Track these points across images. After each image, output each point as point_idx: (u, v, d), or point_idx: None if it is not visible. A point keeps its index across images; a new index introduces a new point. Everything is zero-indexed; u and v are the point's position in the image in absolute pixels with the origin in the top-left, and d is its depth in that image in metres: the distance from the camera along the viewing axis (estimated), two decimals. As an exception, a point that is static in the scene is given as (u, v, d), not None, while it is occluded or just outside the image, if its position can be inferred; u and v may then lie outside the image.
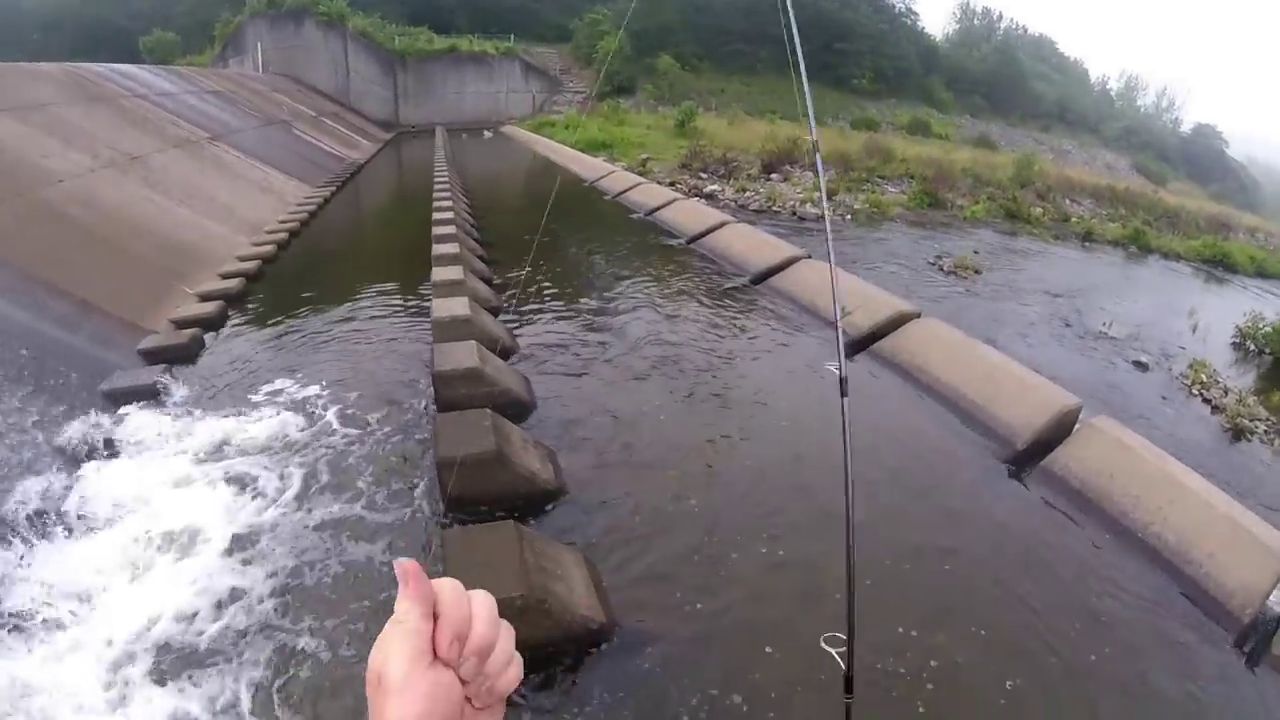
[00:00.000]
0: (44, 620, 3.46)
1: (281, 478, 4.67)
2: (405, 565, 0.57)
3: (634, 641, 3.48)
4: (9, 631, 3.39)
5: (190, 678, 3.24)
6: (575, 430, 5.38)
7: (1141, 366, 8.03)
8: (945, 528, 4.40)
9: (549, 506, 4.46)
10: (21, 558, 3.81)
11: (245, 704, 3.11)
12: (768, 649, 3.45)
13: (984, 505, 4.63)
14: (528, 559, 3.42)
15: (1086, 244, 14.23)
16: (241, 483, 4.61)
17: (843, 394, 2.58)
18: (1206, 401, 7.36)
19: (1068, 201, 18.78)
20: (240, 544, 4.07)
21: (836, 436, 2.48)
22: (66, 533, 4.10)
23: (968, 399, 5.67)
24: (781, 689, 3.23)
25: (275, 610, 3.62)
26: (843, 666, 2.10)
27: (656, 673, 3.30)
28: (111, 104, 13.83)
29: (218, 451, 4.96)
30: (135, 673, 3.26)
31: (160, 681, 3.21)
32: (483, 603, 0.59)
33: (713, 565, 4.00)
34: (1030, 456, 5.02)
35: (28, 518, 4.10)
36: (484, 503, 4.32)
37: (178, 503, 4.37)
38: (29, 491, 4.27)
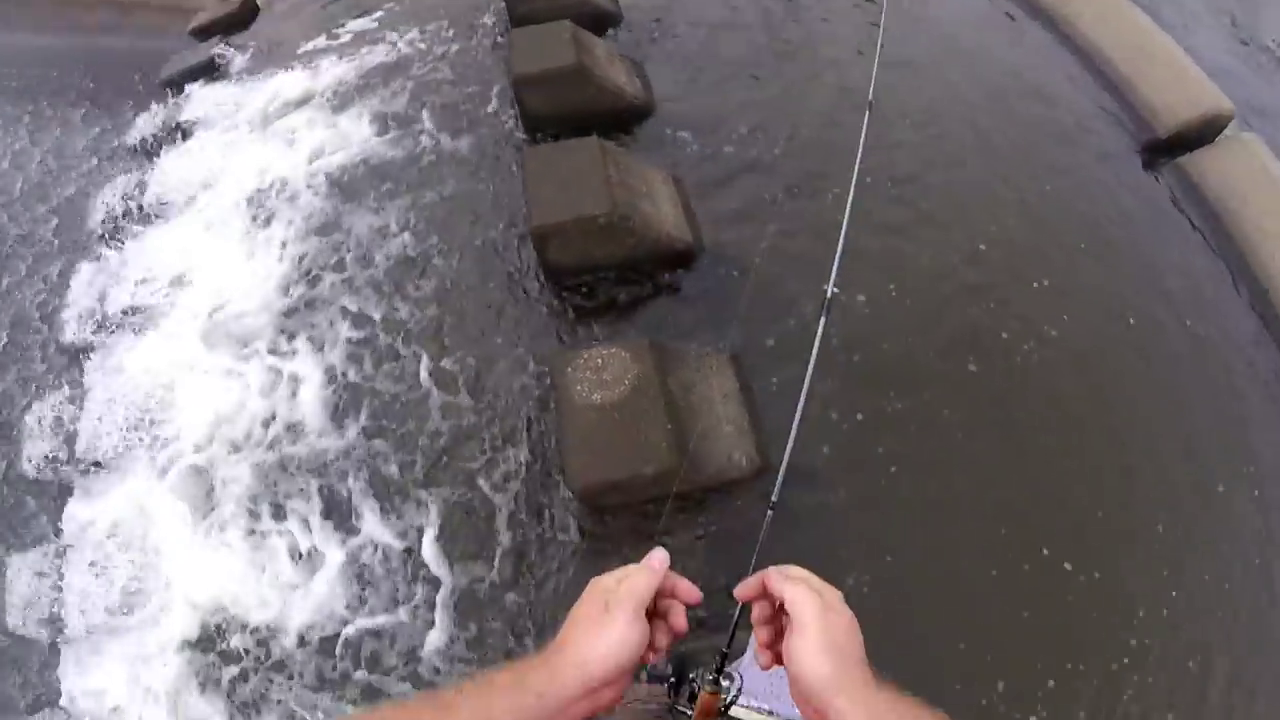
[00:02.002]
0: (151, 308, 3.56)
1: (355, 119, 4.35)
2: (657, 556, 0.84)
3: (720, 262, 3.22)
4: (121, 328, 3.54)
5: (287, 332, 3.28)
6: (665, 42, 4.56)
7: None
8: (1063, 214, 3.66)
9: (637, 125, 3.93)
10: (116, 258, 3.90)
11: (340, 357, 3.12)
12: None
13: (1108, 188, 3.87)
14: (611, 176, 3.12)
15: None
16: (314, 131, 4.35)
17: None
18: None
19: None
20: (320, 188, 3.96)
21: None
22: (150, 222, 4.09)
23: (1114, 68, 4.58)
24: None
25: (365, 242, 3.59)
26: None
27: (739, 290, 3.06)
28: None
29: (289, 107, 4.64)
30: (237, 339, 3.33)
31: (273, 348, 3.28)
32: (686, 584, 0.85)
33: (807, 193, 3.46)
34: (1168, 149, 4.19)
35: (115, 217, 4.15)
36: (566, 120, 3.86)
37: (256, 166, 4.19)
38: (112, 196, 4.27)
